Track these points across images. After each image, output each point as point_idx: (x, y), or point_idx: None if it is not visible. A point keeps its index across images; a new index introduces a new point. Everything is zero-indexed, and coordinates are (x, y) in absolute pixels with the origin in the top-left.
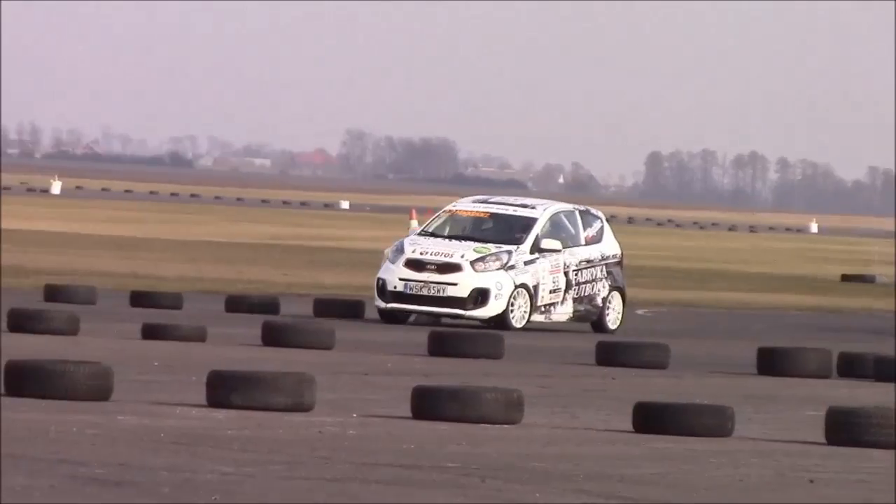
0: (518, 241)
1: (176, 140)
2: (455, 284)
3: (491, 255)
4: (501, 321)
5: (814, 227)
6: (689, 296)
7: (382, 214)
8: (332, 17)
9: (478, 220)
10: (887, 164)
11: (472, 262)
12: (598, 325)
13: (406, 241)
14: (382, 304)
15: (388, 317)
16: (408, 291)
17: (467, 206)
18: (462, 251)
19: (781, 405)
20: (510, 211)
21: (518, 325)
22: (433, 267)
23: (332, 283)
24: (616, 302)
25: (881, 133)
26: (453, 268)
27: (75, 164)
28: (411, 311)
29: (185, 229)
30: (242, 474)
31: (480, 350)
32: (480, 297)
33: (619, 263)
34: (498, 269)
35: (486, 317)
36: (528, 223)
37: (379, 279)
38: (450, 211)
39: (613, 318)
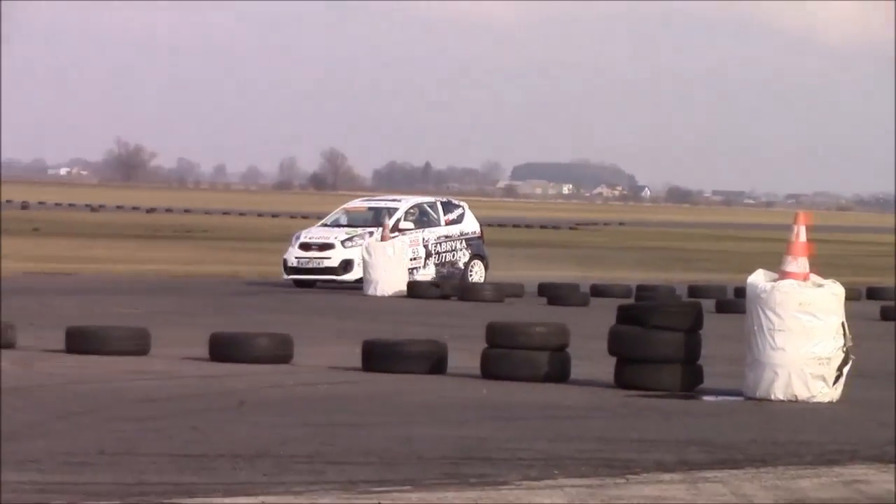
0: (366, 227)
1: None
2: (329, 258)
3: (357, 235)
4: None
5: None
6: None
7: None
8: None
9: (361, 213)
10: None
11: (342, 242)
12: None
13: (303, 231)
14: (285, 276)
15: (297, 283)
16: (300, 265)
17: (355, 204)
18: (337, 234)
19: None
20: (383, 205)
21: (369, 292)
22: (316, 247)
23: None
24: (478, 266)
25: None
26: (329, 246)
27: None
28: (304, 280)
29: None
30: None
31: None
32: (348, 265)
33: (480, 238)
34: (361, 245)
35: (353, 279)
36: (392, 212)
37: (283, 259)
38: (344, 209)
39: (476, 278)
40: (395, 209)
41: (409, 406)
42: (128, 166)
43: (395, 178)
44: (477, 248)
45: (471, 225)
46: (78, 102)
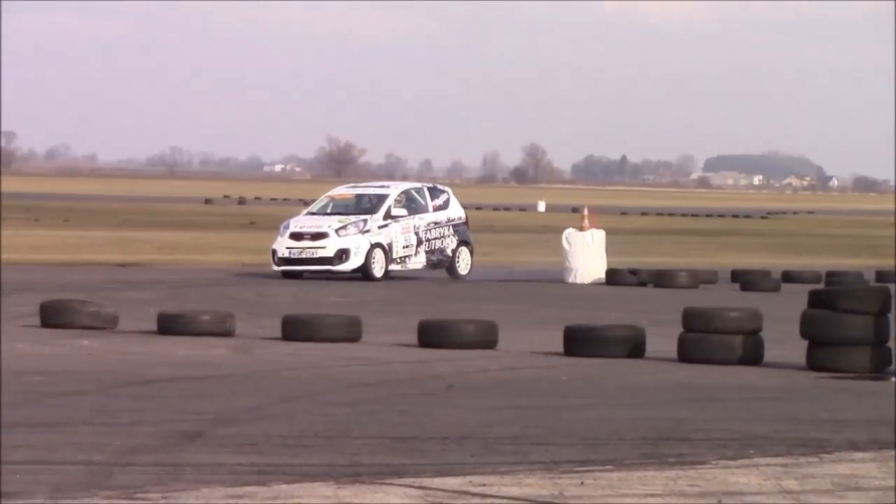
0: (374, 212)
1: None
2: (324, 248)
3: (351, 223)
4: (364, 272)
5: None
6: None
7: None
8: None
9: (348, 201)
10: None
11: (336, 230)
12: (451, 270)
13: (291, 220)
14: (275, 268)
15: (287, 275)
16: (292, 256)
17: (341, 191)
18: (329, 223)
19: None
20: (370, 191)
21: (378, 275)
22: (308, 236)
23: None
24: (464, 253)
25: None
26: (322, 236)
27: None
28: (294, 272)
29: None
30: None
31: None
32: (344, 255)
33: (465, 223)
34: (356, 234)
35: (349, 269)
36: (382, 198)
37: (272, 249)
38: (329, 196)
39: (463, 266)
40: (383, 195)
41: (610, 389)
42: (339, 162)
43: (592, 171)
44: (463, 234)
45: (456, 211)
46: (292, 101)
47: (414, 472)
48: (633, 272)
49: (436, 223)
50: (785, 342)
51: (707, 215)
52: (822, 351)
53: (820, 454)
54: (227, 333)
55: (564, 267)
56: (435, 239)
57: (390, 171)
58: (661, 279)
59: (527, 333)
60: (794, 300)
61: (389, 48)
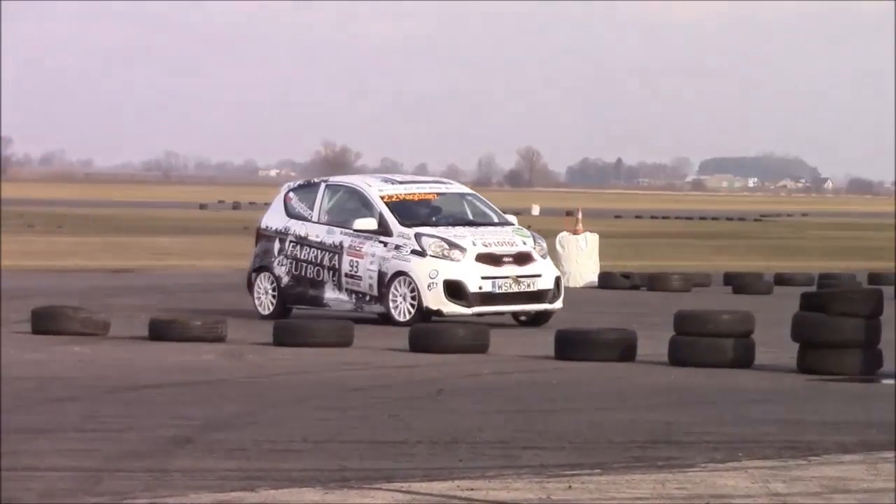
0: (503, 221)
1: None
2: (539, 276)
3: (533, 238)
4: (548, 315)
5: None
6: None
7: None
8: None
9: (427, 204)
10: None
11: (534, 248)
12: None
13: (433, 232)
14: (468, 311)
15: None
16: (496, 290)
17: (402, 189)
18: (515, 238)
19: None
20: (451, 189)
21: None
22: (510, 259)
23: None
24: None
25: None
26: (526, 258)
27: None
28: (501, 313)
29: None
30: None
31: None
32: (558, 288)
33: None
34: (545, 257)
35: (555, 310)
36: (478, 200)
37: (449, 281)
38: (391, 196)
39: None
40: (473, 195)
41: (600, 392)
42: (334, 166)
43: (588, 174)
44: None
45: None
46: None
47: (402, 476)
48: (626, 276)
49: None
50: (776, 345)
51: (701, 218)
52: (814, 353)
53: (808, 457)
54: (219, 339)
55: (558, 270)
56: None
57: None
58: (654, 282)
59: (518, 337)
60: (787, 303)
61: (384, 51)
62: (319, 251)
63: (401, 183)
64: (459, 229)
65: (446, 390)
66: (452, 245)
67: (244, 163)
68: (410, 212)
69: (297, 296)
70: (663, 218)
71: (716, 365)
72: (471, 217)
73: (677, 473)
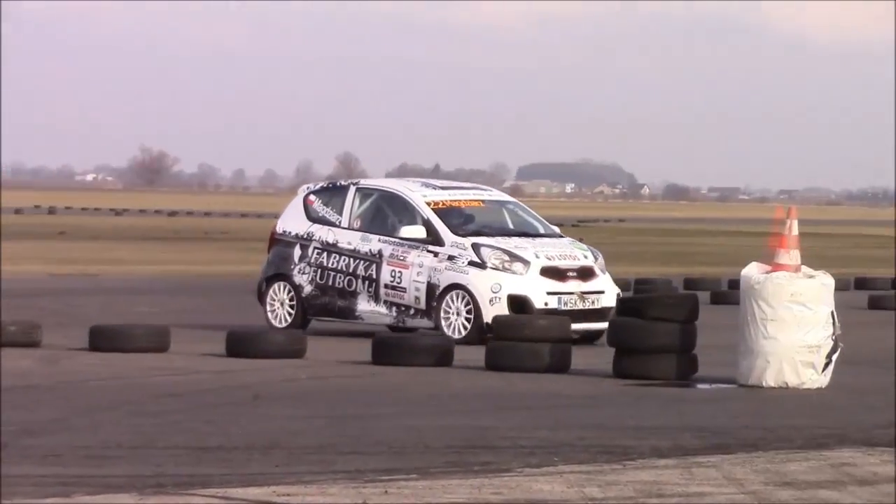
0: (551, 232)
1: None
2: (603, 292)
3: (591, 250)
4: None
5: None
6: None
7: None
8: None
9: (460, 213)
10: None
11: (595, 262)
12: None
13: (493, 243)
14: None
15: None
16: (562, 307)
17: (445, 195)
18: (575, 251)
19: None
20: (494, 196)
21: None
22: (574, 273)
23: None
24: None
25: None
26: (590, 272)
27: None
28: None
29: None
30: None
31: None
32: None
33: None
34: (605, 272)
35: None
36: (520, 209)
37: (513, 296)
38: (438, 202)
39: None
40: (517, 203)
41: (417, 397)
42: (151, 171)
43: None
44: None
45: None
46: (103, 110)
47: (218, 482)
48: None
49: None
50: (593, 349)
51: None
52: (629, 358)
53: (624, 461)
54: (34, 344)
55: None
56: None
57: (202, 180)
58: None
59: (336, 343)
60: None
61: (199, 56)
62: (352, 259)
63: (443, 188)
64: (516, 240)
65: (263, 396)
66: (515, 257)
67: (60, 167)
68: (449, 220)
69: (321, 307)
70: None
71: (532, 370)
72: (511, 227)
73: (493, 478)
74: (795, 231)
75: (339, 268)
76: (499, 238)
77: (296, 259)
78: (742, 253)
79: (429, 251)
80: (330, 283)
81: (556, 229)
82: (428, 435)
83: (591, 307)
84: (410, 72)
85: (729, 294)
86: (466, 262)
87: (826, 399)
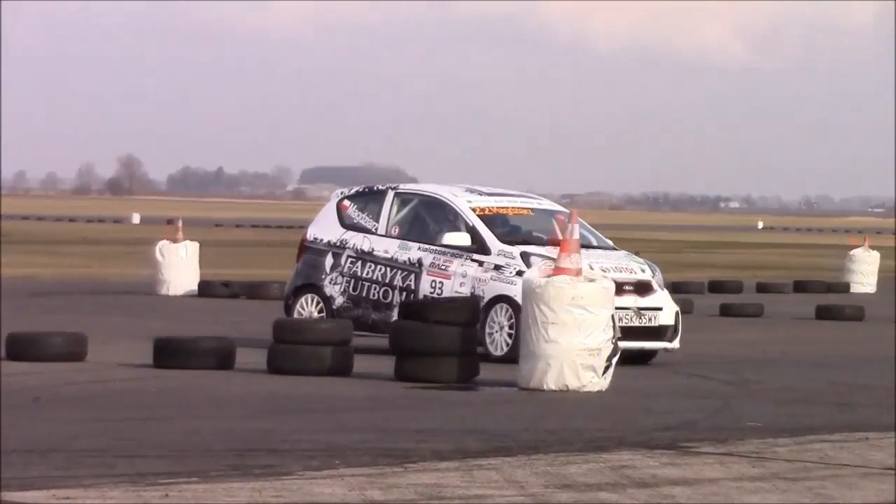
0: (607, 245)
1: None
2: (660, 309)
3: (648, 265)
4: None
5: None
6: None
7: None
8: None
9: (505, 221)
10: None
11: (653, 277)
12: None
13: (550, 254)
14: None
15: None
16: (617, 323)
17: (492, 201)
18: (632, 264)
19: None
20: (543, 205)
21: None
22: (630, 288)
23: None
24: None
25: None
26: (647, 287)
27: None
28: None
29: None
30: None
31: None
32: (677, 324)
33: None
34: (663, 288)
35: (673, 349)
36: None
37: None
38: (484, 209)
39: None
40: (567, 213)
41: (198, 400)
42: None
43: (189, 183)
44: None
45: None
46: None
47: None
48: (226, 284)
49: None
50: (376, 354)
51: (301, 227)
52: (411, 361)
53: (405, 464)
54: None
55: (157, 279)
56: None
57: None
58: (254, 291)
59: (117, 345)
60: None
61: None
62: (388, 268)
63: (489, 194)
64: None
65: (42, 398)
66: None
67: None
68: (494, 228)
69: (354, 319)
70: (264, 227)
71: (314, 373)
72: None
73: (274, 481)
74: (576, 235)
75: (375, 278)
76: (550, 248)
77: (327, 268)
78: None
79: (473, 260)
80: (364, 294)
81: (610, 242)
82: (208, 438)
83: (647, 324)
84: (192, 73)
85: None
86: (514, 272)
87: (606, 402)
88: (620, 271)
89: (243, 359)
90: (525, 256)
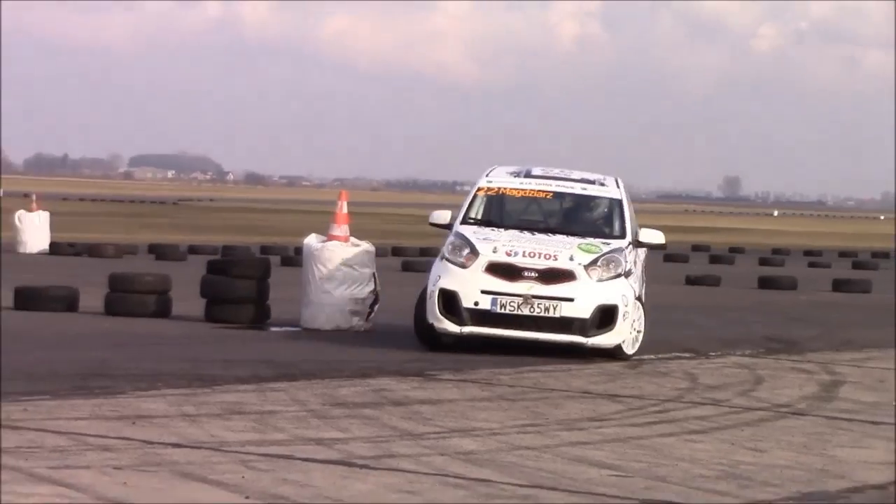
0: (612, 234)
1: None
2: (571, 300)
3: (604, 255)
4: (618, 350)
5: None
6: None
7: None
8: None
9: (536, 203)
10: None
11: (587, 267)
12: None
13: (470, 233)
14: (457, 329)
15: (476, 340)
16: (497, 310)
17: (515, 182)
18: (566, 250)
19: None
20: (577, 189)
21: (631, 352)
22: (533, 274)
23: None
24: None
25: None
26: (563, 275)
27: None
28: (504, 338)
29: None
30: None
31: None
32: (604, 317)
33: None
34: (617, 277)
35: (610, 345)
36: (612, 206)
37: (443, 290)
38: (490, 189)
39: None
40: (612, 199)
41: (49, 336)
42: None
43: (41, 165)
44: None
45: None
46: None
47: None
48: (72, 245)
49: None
50: (189, 300)
51: (131, 201)
52: (217, 307)
53: (213, 386)
54: None
55: (16, 241)
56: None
57: None
58: (94, 250)
59: None
60: (197, 268)
61: None
62: None
63: (534, 177)
64: (511, 233)
65: None
66: (462, 247)
67: None
68: (501, 209)
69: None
70: (101, 200)
71: (142, 315)
72: (557, 222)
73: (110, 399)
74: (345, 210)
75: None
76: (499, 230)
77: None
78: (305, 226)
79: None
80: None
81: (654, 234)
82: (59, 366)
83: (540, 314)
84: (30, 58)
85: (295, 258)
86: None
87: (369, 339)
88: (534, 256)
89: (85, 304)
90: (458, 235)
